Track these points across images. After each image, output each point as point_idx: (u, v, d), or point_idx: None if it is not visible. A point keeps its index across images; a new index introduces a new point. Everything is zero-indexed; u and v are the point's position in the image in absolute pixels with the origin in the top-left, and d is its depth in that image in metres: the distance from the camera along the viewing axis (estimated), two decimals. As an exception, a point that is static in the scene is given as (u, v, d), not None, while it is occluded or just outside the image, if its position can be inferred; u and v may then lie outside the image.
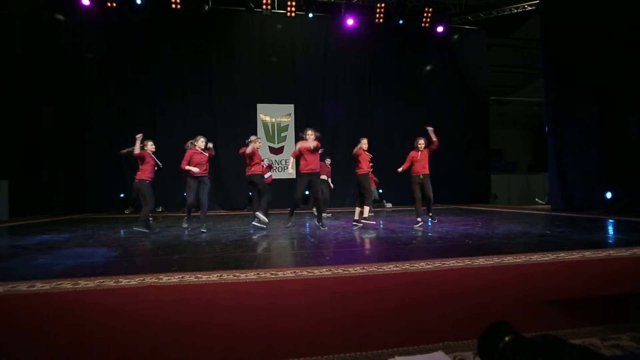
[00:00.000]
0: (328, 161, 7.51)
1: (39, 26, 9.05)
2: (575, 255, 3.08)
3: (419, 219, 5.39)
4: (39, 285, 2.37)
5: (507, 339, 0.76)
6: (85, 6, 9.25)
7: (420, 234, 4.71)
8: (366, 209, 5.43)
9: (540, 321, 1.63)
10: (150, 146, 5.14)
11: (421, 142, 5.62)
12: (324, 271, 2.65)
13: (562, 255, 3.06)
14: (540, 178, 13.14)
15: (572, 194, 7.87)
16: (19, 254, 3.68)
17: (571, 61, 7.87)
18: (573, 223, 5.61)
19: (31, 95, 8.94)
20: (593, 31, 7.34)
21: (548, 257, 3.02)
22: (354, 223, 5.48)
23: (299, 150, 5.24)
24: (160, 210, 9.12)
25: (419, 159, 5.51)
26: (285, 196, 9.42)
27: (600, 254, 3.12)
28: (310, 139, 5.14)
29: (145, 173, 5.01)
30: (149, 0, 9.46)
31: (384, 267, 2.74)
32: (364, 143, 5.49)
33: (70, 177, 9.04)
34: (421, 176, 5.48)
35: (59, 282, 2.43)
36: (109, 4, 9.20)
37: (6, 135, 8.72)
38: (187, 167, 5.15)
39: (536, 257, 3.00)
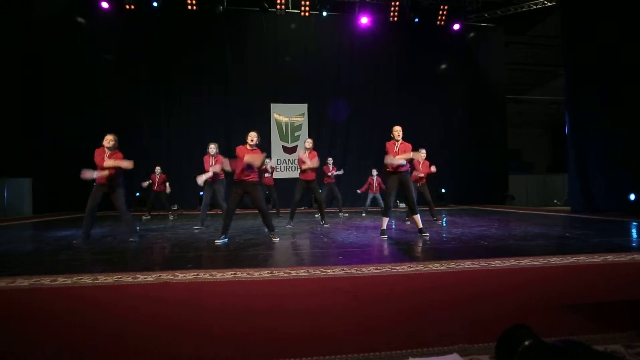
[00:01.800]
0: (330, 163, 7.51)
1: (61, 29, 9.34)
2: (597, 258, 2.98)
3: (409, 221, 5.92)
4: (61, 280, 2.45)
5: (526, 342, 0.74)
6: (104, 9, 9.49)
7: (434, 235, 4.65)
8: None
9: (559, 326, 1.58)
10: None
11: (423, 153, 6.05)
12: (337, 271, 2.64)
13: (583, 259, 2.97)
14: (559, 179, 12.77)
15: (593, 195, 7.62)
16: (42, 249, 3.81)
17: (593, 59, 7.61)
18: (594, 225, 5.43)
19: (52, 95, 9.24)
20: (616, 28, 7.08)
21: (568, 260, 2.94)
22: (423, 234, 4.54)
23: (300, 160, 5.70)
24: (175, 208, 9.29)
25: (421, 167, 6.01)
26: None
27: (624, 257, 3.01)
28: (308, 161, 5.52)
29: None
30: (165, 1, 9.63)
31: (397, 268, 2.72)
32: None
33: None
34: (418, 184, 6.07)
35: (80, 277, 2.51)
36: (127, 7, 9.41)
37: (30, 134, 9.05)
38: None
39: (555, 260, 2.92)
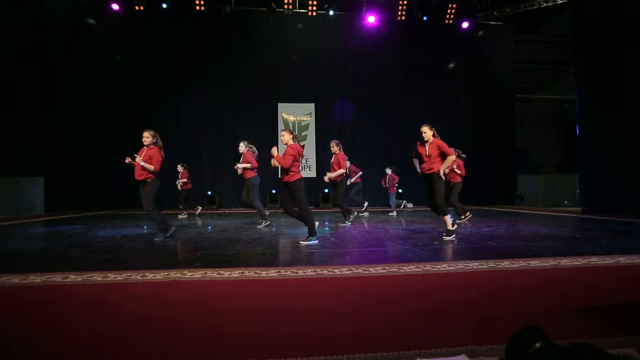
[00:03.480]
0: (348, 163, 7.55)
1: (72, 30, 9.49)
2: (609, 260, 2.93)
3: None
4: (72, 277, 2.49)
5: (537, 345, 0.73)
6: (115, 10, 9.61)
7: (441, 235, 4.62)
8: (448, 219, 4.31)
9: (570, 328, 1.56)
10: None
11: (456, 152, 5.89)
12: (344, 271, 2.64)
13: (594, 260, 2.92)
14: (570, 179, 12.57)
15: (604, 196, 7.48)
16: (54, 247, 3.88)
17: (605, 57, 7.47)
18: (605, 226, 5.33)
19: (64, 95, 9.38)
20: (628, 26, 6.94)
21: (578, 261, 2.89)
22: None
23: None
24: (181, 207, 9.35)
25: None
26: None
27: (637, 259, 2.96)
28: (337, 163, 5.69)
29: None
30: (174, 2, 9.71)
31: (405, 268, 2.71)
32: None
33: (97, 175, 9.44)
34: (452, 183, 6.07)
35: (90, 275, 2.55)
36: (136, 8, 9.50)
37: (42, 134, 9.21)
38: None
39: (565, 262, 2.88)
